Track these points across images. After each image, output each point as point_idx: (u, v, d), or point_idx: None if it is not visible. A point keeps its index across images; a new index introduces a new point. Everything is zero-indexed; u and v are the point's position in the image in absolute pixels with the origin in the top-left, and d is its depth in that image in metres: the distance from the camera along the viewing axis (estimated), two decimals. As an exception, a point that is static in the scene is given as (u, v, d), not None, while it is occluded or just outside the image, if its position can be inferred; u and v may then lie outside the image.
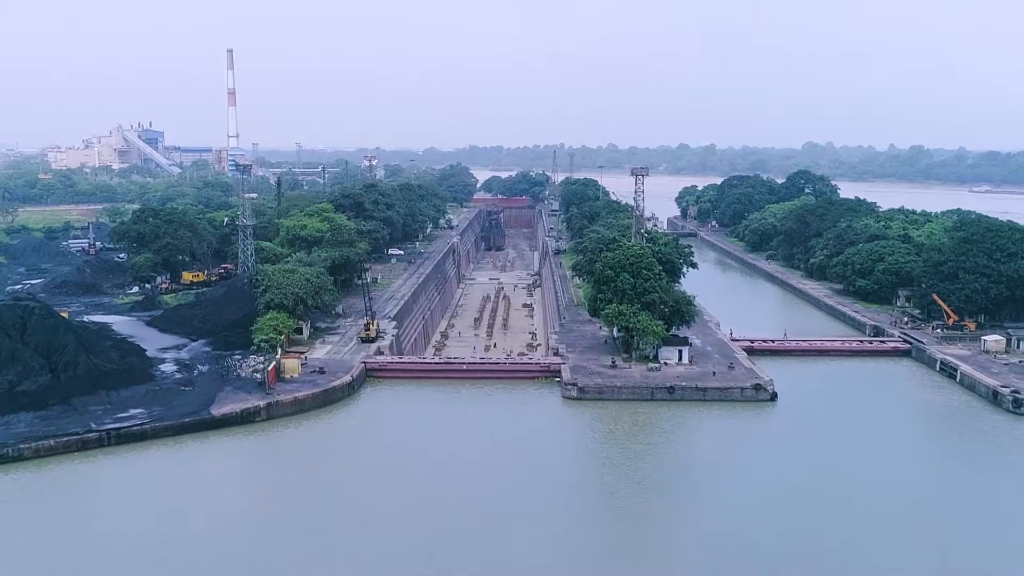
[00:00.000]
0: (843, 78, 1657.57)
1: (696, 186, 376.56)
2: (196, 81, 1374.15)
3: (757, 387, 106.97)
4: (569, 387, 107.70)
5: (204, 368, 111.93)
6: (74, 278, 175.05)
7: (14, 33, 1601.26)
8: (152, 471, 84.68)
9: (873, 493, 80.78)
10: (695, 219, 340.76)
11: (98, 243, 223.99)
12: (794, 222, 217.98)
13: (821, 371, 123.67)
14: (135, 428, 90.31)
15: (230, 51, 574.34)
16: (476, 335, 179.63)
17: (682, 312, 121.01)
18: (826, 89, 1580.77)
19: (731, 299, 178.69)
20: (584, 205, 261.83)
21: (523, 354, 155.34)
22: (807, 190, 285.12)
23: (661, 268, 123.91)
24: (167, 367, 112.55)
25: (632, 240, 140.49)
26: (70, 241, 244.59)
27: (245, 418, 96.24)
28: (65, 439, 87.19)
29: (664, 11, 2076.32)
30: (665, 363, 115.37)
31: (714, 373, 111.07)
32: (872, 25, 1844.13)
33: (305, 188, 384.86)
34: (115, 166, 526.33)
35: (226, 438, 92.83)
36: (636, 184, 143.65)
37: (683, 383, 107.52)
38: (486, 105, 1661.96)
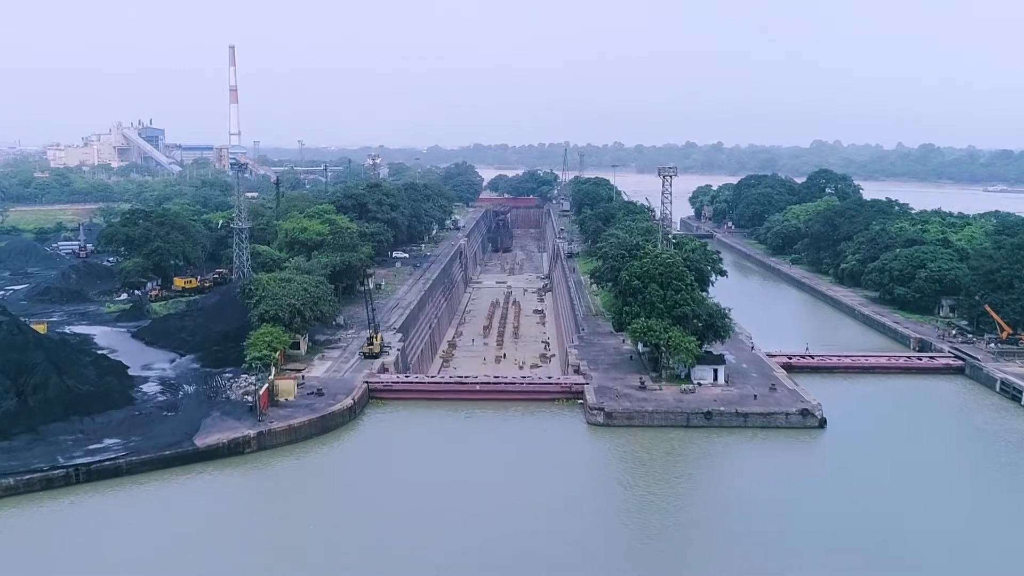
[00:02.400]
0: (848, 76, 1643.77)
1: (710, 185, 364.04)
2: (198, 79, 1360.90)
3: (804, 412, 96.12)
4: (595, 412, 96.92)
5: (190, 389, 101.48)
6: (59, 284, 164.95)
7: (16, 32, 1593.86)
8: (126, 514, 74.53)
9: (943, 539, 71.24)
10: (710, 220, 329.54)
11: (88, 245, 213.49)
12: (821, 224, 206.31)
13: (868, 391, 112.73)
14: (107, 463, 79.86)
15: (232, 48, 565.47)
16: (486, 344, 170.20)
17: (716, 327, 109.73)
18: (831, 87, 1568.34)
19: (755, 307, 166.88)
20: (598, 206, 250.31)
21: (536, 366, 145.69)
22: (828, 190, 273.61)
23: (692, 278, 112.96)
24: (150, 387, 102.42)
25: (658, 245, 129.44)
26: (60, 243, 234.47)
27: (233, 449, 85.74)
28: (27, 477, 76.98)
29: (667, 11, 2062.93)
30: (699, 383, 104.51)
31: (755, 396, 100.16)
32: (878, 23, 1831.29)
33: (307, 187, 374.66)
34: (115, 164, 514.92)
35: (211, 473, 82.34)
36: (664, 185, 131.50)
37: (721, 407, 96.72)
38: (490, 104, 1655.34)
